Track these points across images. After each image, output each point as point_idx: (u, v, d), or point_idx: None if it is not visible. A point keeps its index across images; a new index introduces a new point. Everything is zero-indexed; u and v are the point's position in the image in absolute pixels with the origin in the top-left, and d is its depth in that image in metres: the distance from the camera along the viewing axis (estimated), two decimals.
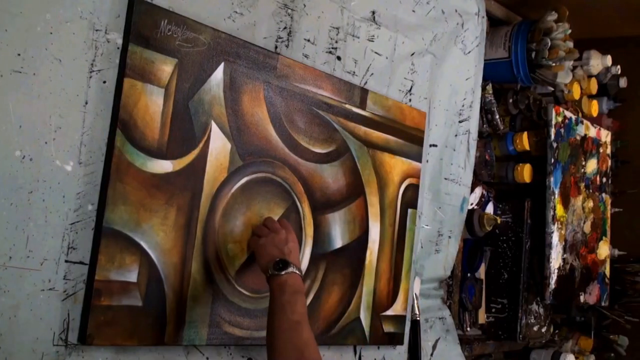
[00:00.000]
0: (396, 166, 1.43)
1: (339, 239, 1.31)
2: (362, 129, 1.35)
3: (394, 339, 1.43)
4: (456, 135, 1.59)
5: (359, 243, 1.35)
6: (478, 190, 1.76)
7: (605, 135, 2.08)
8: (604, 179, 2.06)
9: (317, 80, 1.26)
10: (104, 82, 0.97)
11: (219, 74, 1.10)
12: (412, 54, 1.46)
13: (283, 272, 1.03)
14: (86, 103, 0.95)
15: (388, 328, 1.41)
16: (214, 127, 1.09)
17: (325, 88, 1.28)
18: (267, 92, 1.17)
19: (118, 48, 0.98)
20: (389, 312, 1.41)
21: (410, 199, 1.46)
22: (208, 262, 1.09)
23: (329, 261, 1.29)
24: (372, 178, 1.37)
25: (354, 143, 1.34)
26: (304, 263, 1.24)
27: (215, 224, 1.10)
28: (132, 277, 0.97)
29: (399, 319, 1.44)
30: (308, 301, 1.23)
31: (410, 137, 1.46)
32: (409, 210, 1.46)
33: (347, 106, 1.32)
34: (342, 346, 1.33)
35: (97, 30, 0.96)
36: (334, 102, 1.29)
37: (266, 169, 1.18)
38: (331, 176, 1.29)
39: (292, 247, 1.10)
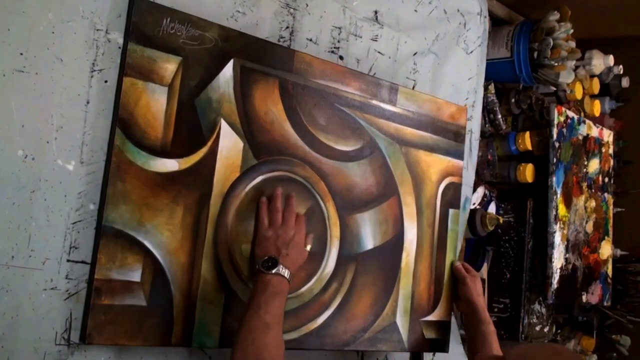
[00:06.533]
0: (434, 164, 1.37)
1: (369, 240, 1.25)
2: (393, 126, 1.30)
3: (436, 346, 1.36)
4: None
5: (393, 244, 1.29)
6: (480, 190, 1.76)
7: (608, 135, 2.07)
8: (606, 179, 2.06)
9: (339, 76, 1.22)
10: (106, 81, 0.97)
11: (228, 71, 1.08)
12: (415, 54, 1.46)
13: (270, 272, 1.01)
14: (87, 102, 0.95)
15: (429, 334, 1.34)
16: (223, 125, 1.07)
17: (348, 84, 1.23)
18: (283, 88, 1.14)
19: (119, 47, 0.98)
20: (431, 317, 1.35)
21: (452, 198, 1.41)
22: (220, 263, 1.06)
23: (359, 263, 1.23)
24: (406, 177, 1.32)
25: (384, 140, 1.28)
26: (330, 265, 1.20)
27: (227, 223, 1.07)
28: (135, 276, 0.97)
29: (443, 325, 1.37)
30: (335, 304, 1.20)
31: (448, 134, 1.40)
32: (450, 211, 1.40)
33: (375, 102, 1.27)
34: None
35: (98, 30, 0.96)
36: (359, 98, 1.25)
37: (284, 167, 1.14)
38: (358, 175, 1.24)
39: (292, 253, 1.06)
